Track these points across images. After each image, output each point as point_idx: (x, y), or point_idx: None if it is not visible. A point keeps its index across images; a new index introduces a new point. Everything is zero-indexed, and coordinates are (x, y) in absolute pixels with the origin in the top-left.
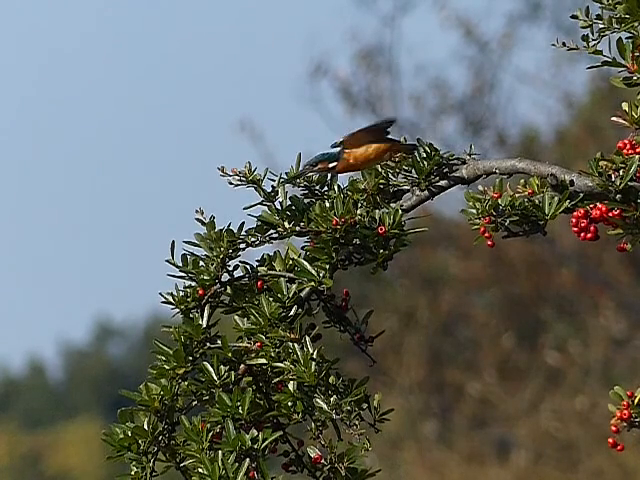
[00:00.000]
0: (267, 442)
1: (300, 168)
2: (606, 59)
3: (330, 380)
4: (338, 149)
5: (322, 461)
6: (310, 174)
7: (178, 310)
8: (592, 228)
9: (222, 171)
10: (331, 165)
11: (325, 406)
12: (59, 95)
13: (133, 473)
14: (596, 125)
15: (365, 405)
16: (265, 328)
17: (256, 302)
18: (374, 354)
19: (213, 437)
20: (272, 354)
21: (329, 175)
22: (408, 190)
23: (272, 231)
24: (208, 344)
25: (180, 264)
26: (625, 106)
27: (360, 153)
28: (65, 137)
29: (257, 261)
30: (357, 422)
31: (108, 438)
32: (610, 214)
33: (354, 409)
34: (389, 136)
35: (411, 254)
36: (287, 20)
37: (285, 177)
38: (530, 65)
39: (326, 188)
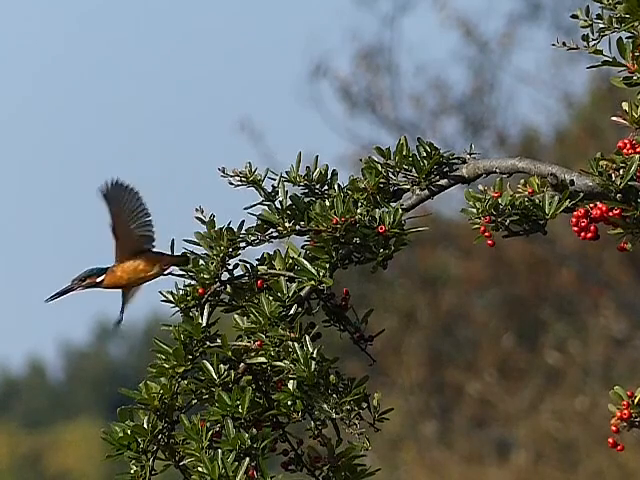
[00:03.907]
0: (267, 441)
1: (69, 283)
2: (606, 59)
3: (330, 379)
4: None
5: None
6: (78, 289)
7: (178, 309)
8: (592, 227)
9: (223, 172)
10: (99, 279)
11: (325, 405)
12: (58, 96)
13: (132, 472)
14: (596, 125)
15: (365, 404)
16: (265, 327)
17: (256, 301)
18: (374, 354)
19: (213, 436)
20: (272, 353)
21: (328, 174)
22: (408, 189)
23: (272, 230)
24: (208, 343)
25: None
26: (625, 106)
27: (127, 266)
28: (65, 137)
29: (257, 260)
30: (357, 421)
31: (108, 437)
32: (610, 213)
33: (354, 408)
34: (157, 250)
35: (411, 254)
36: (287, 20)
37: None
38: (530, 65)
39: (326, 187)
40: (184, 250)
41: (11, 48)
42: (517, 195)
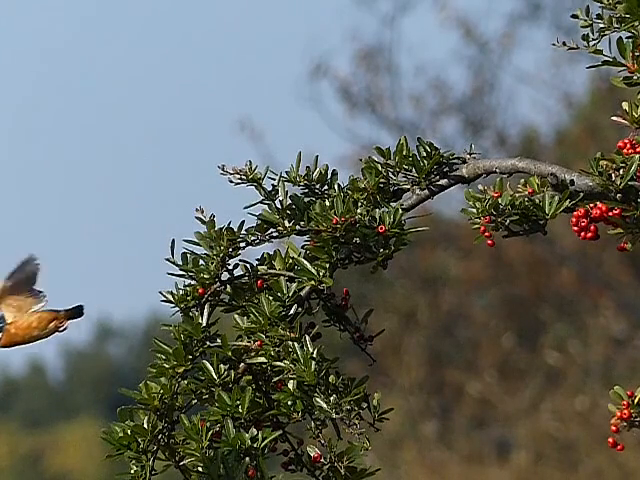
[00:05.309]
0: (267, 441)
1: None
2: (606, 59)
3: (330, 379)
4: (2, 323)
5: (321, 460)
6: None
7: (178, 309)
8: (592, 227)
9: (223, 169)
10: None
11: (325, 405)
12: (57, 95)
13: (133, 472)
14: (596, 125)
15: (365, 404)
16: (265, 327)
17: (256, 301)
18: (374, 354)
19: (213, 436)
20: (272, 353)
21: (328, 174)
22: (408, 189)
23: (272, 230)
24: (208, 343)
25: (180, 263)
26: (625, 106)
27: (22, 323)
28: (66, 136)
29: (257, 260)
30: (357, 421)
31: (108, 437)
32: (610, 213)
33: (354, 408)
34: (54, 308)
35: (411, 254)
36: (287, 20)
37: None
38: (530, 65)
39: (326, 187)
40: (81, 303)
41: (9, 50)
42: (517, 195)
